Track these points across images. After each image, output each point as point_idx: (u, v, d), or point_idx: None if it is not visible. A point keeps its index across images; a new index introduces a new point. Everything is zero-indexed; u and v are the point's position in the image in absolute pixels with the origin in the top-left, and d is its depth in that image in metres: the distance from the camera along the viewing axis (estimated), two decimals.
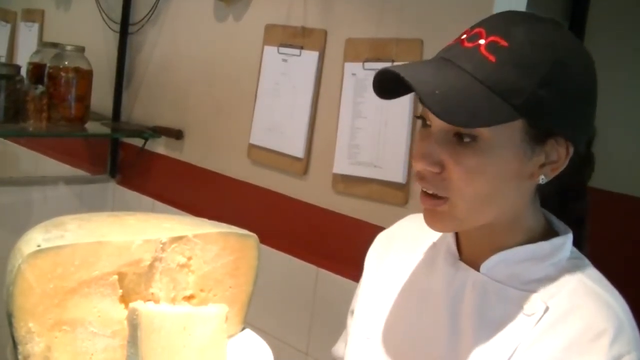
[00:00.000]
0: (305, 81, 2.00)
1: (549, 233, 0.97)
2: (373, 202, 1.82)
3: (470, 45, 0.87)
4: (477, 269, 0.96)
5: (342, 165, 1.89)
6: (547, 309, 0.90)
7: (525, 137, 0.87)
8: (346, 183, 1.89)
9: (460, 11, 1.66)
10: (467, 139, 0.87)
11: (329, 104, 1.95)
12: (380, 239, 1.19)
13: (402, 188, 1.75)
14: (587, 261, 0.97)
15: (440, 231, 0.98)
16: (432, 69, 0.88)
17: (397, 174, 1.75)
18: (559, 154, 0.91)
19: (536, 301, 0.91)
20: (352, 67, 1.87)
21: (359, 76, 1.85)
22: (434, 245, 1.07)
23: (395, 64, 1.75)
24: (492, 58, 0.85)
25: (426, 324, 1.00)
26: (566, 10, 2.88)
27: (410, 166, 1.73)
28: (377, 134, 1.80)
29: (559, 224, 0.99)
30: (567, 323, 0.88)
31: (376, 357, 1.04)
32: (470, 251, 0.99)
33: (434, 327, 0.98)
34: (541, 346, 0.89)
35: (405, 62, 0.90)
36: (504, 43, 0.85)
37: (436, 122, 0.89)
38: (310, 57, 1.99)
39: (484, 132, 0.86)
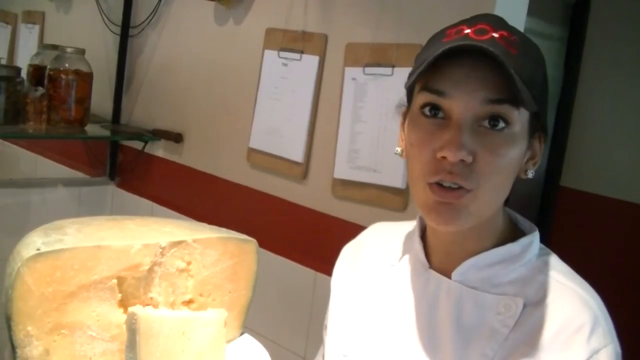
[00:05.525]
0: (305, 85, 2.00)
1: (515, 233, 0.97)
2: (372, 206, 1.82)
3: (484, 37, 0.85)
4: (448, 276, 0.96)
5: (341, 170, 1.89)
6: (522, 309, 0.91)
7: (528, 130, 0.90)
8: (345, 187, 1.89)
9: (460, 16, 1.65)
10: (502, 124, 0.86)
11: (328, 108, 1.95)
12: (345, 252, 1.18)
13: (401, 193, 1.75)
14: (555, 256, 0.98)
15: (451, 229, 0.91)
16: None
17: (396, 179, 1.75)
18: (536, 149, 0.94)
19: (511, 304, 0.91)
20: (352, 72, 1.87)
21: (359, 81, 1.85)
22: (402, 254, 1.06)
23: (396, 69, 1.76)
24: (512, 50, 0.85)
25: (403, 337, 0.99)
26: (567, 14, 2.89)
27: None
28: (377, 139, 1.80)
29: (523, 222, 0.99)
30: (544, 321, 0.89)
31: None
32: (440, 259, 0.98)
33: (411, 339, 0.97)
34: (520, 348, 0.89)
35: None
36: (513, 37, 0.87)
37: (466, 111, 0.86)
38: (310, 62, 1.99)
39: (515, 118, 0.86)
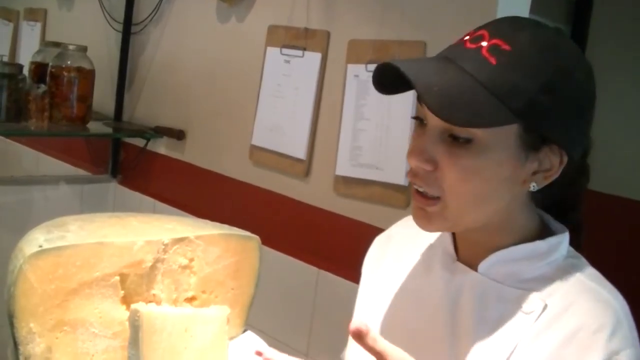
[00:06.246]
0: (307, 82, 1.99)
1: (545, 233, 0.97)
2: (374, 204, 1.82)
3: (472, 46, 0.88)
4: (474, 269, 0.97)
5: (344, 167, 1.89)
6: (545, 306, 0.91)
7: (520, 143, 0.88)
8: (348, 185, 1.89)
9: (463, 13, 1.66)
10: (462, 140, 0.87)
11: (331, 105, 1.95)
12: (377, 242, 1.19)
13: (403, 190, 1.75)
14: (583, 260, 0.97)
15: (429, 231, 0.97)
16: (433, 66, 0.88)
17: (398, 176, 1.75)
18: (553, 163, 0.91)
19: (534, 299, 0.91)
20: (354, 69, 1.87)
21: (362, 78, 1.85)
22: (431, 246, 1.07)
23: None
24: (492, 60, 0.85)
25: (425, 326, 1.00)
26: (569, 14, 2.88)
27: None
28: (379, 136, 1.80)
29: (555, 223, 0.99)
30: (565, 320, 0.89)
31: None
32: (466, 252, 0.99)
33: (433, 329, 0.98)
34: (540, 343, 0.89)
35: (407, 58, 0.90)
36: (506, 47, 0.86)
37: (432, 121, 0.89)
38: (312, 59, 1.99)
39: (479, 133, 0.86)
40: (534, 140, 0.88)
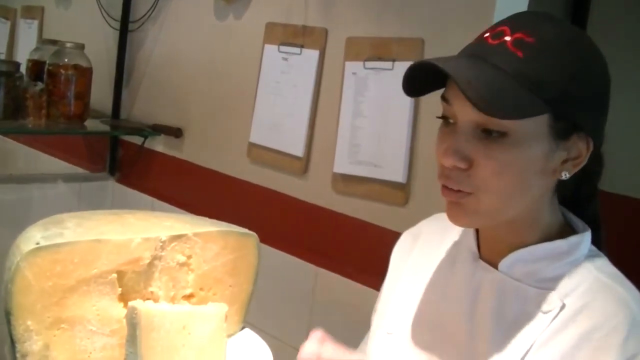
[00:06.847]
0: (305, 80, 1.99)
1: (566, 231, 0.98)
2: (373, 201, 1.82)
3: (495, 42, 0.89)
4: (496, 267, 0.97)
5: (342, 165, 1.88)
6: (563, 306, 0.91)
7: (551, 132, 0.89)
8: (346, 182, 1.88)
9: (462, 10, 1.65)
10: (495, 134, 0.87)
11: (329, 103, 1.94)
12: (405, 238, 1.20)
13: (402, 188, 1.74)
14: (604, 258, 0.98)
15: (464, 226, 0.98)
16: (465, 63, 0.89)
17: (397, 174, 1.75)
18: (580, 150, 0.92)
19: (553, 299, 0.92)
20: (352, 66, 1.86)
21: (360, 75, 1.84)
22: (456, 243, 1.08)
23: (397, 63, 1.75)
24: (519, 53, 0.87)
25: (446, 322, 1.01)
26: (567, 9, 2.88)
27: (410, 166, 1.73)
28: (378, 134, 1.80)
29: (577, 222, 1.00)
30: (580, 320, 0.89)
31: (397, 353, 1.05)
32: (488, 250, 1.00)
33: (453, 325, 1.00)
34: (555, 343, 0.90)
35: (434, 57, 0.90)
36: (529, 39, 0.88)
37: (463, 118, 0.89)
38: (310, 56, 1.98)
39: (513, 126, 0.86)
40: (564, 128, 0.90)
